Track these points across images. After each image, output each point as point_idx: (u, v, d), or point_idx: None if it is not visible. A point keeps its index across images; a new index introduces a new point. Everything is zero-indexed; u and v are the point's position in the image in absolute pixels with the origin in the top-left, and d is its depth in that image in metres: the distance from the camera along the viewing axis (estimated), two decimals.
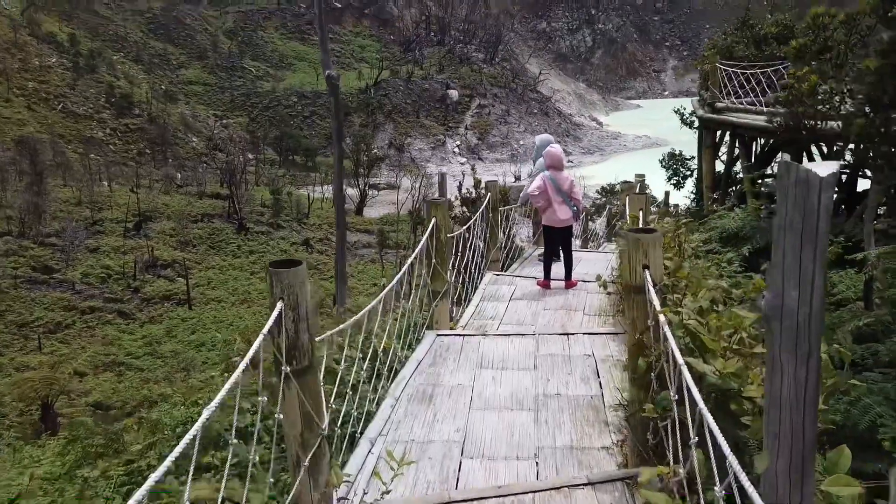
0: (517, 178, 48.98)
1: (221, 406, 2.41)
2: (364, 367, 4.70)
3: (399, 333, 5.40)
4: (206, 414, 2.07)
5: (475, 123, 64.60)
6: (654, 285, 3.08)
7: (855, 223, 10.10)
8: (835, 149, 13.25)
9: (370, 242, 38.72)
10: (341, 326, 3.66)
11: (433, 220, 5.60)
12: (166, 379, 21.05)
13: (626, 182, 8.83)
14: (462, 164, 56.82)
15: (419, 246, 5.50)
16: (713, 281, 3.93)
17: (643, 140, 71.27)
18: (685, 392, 2.37)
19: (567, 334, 5.93)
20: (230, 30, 68.52)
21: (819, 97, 6.62)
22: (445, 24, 79.36)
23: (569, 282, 8.12)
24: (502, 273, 8.84)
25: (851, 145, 14.61)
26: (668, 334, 2.62)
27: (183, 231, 32.58)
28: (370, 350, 4.72)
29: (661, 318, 2.76)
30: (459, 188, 14.79)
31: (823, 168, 1.67)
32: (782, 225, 1.73)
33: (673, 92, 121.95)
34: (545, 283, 8.08)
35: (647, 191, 9.95)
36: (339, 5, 77.00)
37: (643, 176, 10.31)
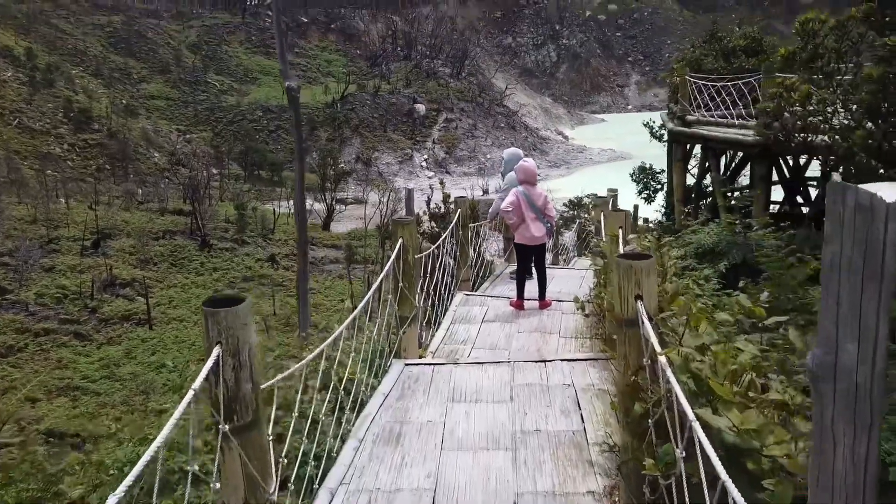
0: (485, 192, 48.87)
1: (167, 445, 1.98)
2: (327, 399, 4.28)
3: (365, 360, 4.98)
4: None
5: (442, 137, 64.47)
6: (650, 319, 2.72)
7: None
8: (801, 163, 13.19)
9: (338, 258, 38.12)
10: (293, 368, 3.24)
11: (399, 241, 5.21)
12: (124, 403, 20.20)
13: (598, 196, 8.54)
14: (430, 177, 56.56)
15: (385, 268, 5.10)
16: (701, 305, 3.59)
17: (608, 153, 71.83)
18: (696, 448, 2.00)
19: (544, 361, 5.57)
20: (194, 44, 67.50)
21: (811, 108, 6.24)
22: (412, 38, 79.32)
23: (543, 302, 7.78)
24: (473, 293, 8.47)
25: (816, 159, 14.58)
26: (672, 379, 2.26)
27: (143, 248, 31.64)
28: (332, 381, 4.31)
29: (662, 359, 2.40)
30: (428, 203, 14.41)
31: (889, 190, 1.31)
32: (836, 263, 1.37)
33: (636, 106, 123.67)
34: (518, 303, 7.73)
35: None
36: (305, 20, 76.54)
37: (615, 190, 10.05)
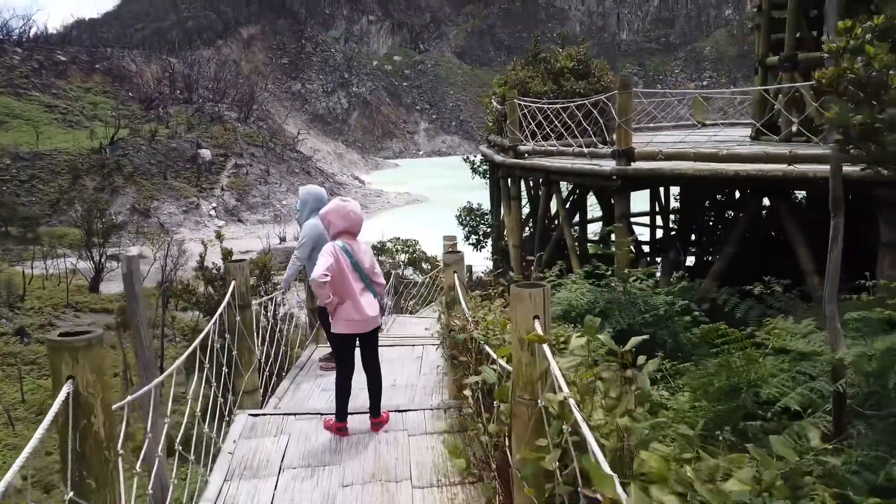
0: (282, 240, 45.38)
1: None
2: None
3: None
4: None
5: (232, 184, 59.86)
6: None
7: (710, 286, 8.29)
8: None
9: (110, 323, 32.48)
10: None
11: (66, 391, 2.18)
12: None
13: (449, 252, 6.00)
14: (220, 227, 51.86)
15: (27, 452, 2.05)
16: None
17: (405, 197, 71.92)
18: None
19: None
20: None
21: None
22: (192, 81, 73.70)
23: (378, 419, 4.99)
24: (263, 411, 5.40)
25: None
26: None
27: None
28: None
29: None
30: (201, 263, 11.08)
31: None
32: None
33: (427, 152, 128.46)
34: (340, 426, 4.86)
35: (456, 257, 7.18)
36: (63, 58, 68.08)
37: (454, 238, 7.62)
